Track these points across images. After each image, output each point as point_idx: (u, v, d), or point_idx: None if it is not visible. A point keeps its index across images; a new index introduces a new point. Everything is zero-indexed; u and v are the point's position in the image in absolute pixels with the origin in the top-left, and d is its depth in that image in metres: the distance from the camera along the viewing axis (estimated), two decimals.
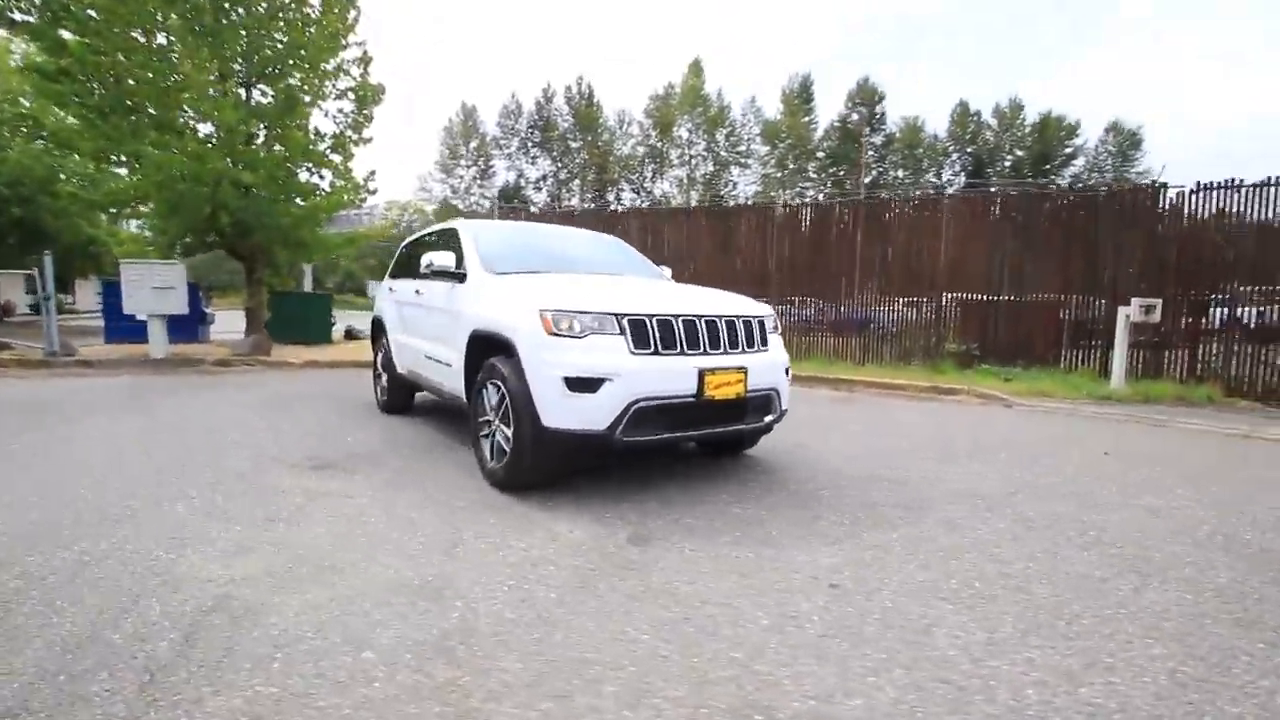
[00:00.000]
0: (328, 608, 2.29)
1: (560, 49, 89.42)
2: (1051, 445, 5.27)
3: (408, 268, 5.85)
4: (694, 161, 53.29)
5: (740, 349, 3.70)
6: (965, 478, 4.14)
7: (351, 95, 12.90)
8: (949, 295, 10.30)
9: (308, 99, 12.02)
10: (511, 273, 4.29)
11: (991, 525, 3.23)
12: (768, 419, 3.87)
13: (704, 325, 3.56)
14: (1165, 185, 9.16)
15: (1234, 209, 8.71)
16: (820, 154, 56.98)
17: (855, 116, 47.78)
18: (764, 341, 3.87)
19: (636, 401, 3.30)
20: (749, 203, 36.91)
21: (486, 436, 3.84)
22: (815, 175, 56.58)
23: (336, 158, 12.91)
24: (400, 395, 5.93)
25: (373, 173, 13.70)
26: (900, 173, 59.43)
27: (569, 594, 2.43)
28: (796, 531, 3.08)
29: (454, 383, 4.35)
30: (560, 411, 3.30)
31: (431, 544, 2.90)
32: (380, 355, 6.17)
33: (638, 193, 52.90)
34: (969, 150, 62.47)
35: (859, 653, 2.05)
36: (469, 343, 3.99)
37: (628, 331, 3.37)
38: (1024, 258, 9.91)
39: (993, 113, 63.13)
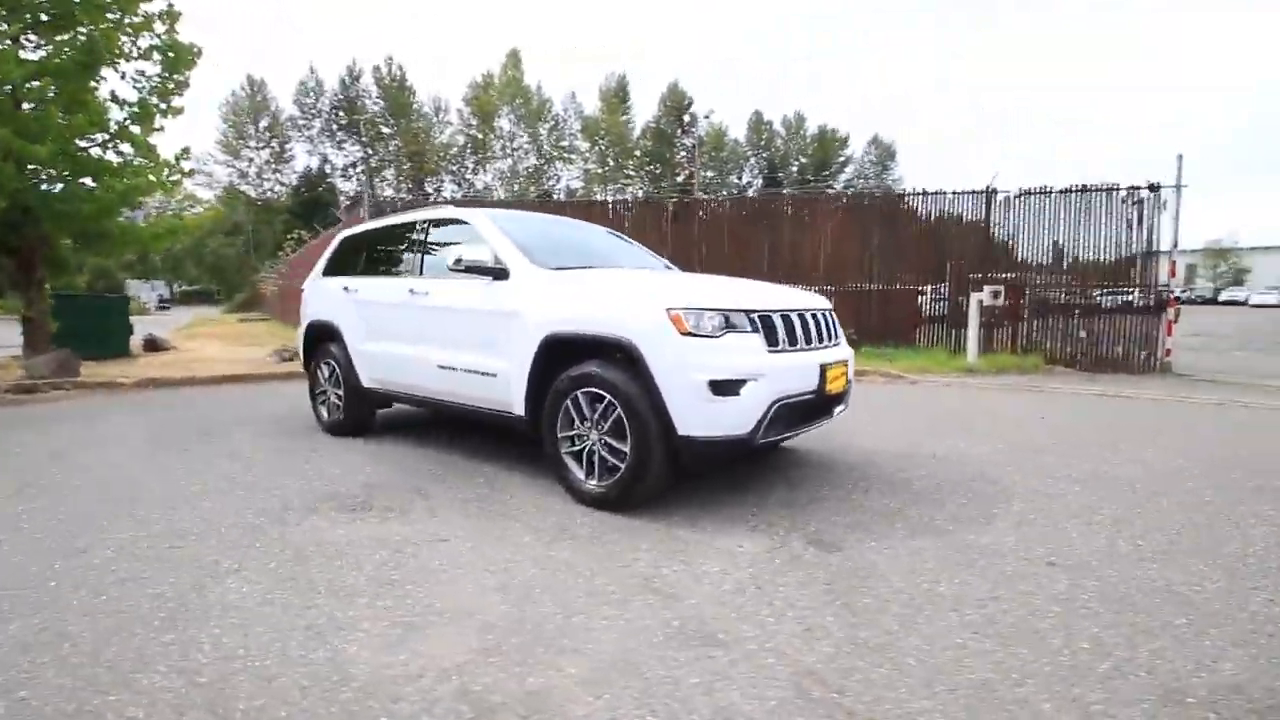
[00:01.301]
0: (655, 689, 1.84)
1: (364, 25, 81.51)
2: (991, 416, 5.98)
3: (372, 263, 4.94)
4: (517, 154, 52.01)
5: (834, 341, 3.67)
6: (1004, 455, 4.54)
7: (157, 56, 10.57)
8: (828, 286, 11.23)
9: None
10: (570, 267, 3.81)
11: (1088, 490, 3.58)
12: (842, 410, 3.88)
13: (810, 320, 3.47)
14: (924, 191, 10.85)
15: (950, 211, 10.71)
16: (638, 152, 58.87)
17: (686, 119, 49.80)
18: (839, 333, 3.87)
19: (777, 401, 3.12)
20: (638, 198, 37.03)
21: (576, 453, 3.38)
22: (634, 173, 58.32)
23: (137, 129, 10.51)
24: (361, 414, 5.01)
25: (185, 150, 11.42)
26: (709, 173, 63.42)
27: (837, 610, 2.21)
28: (951, 517, 3.14)
29: (501, 394, 3.75)
30: (701, 418, 3.01)
31: (622, 584, 2.47)
32: (327, 369, 5.14)
33: (459, 184, 50.35)
34: (764, 155, 68.55)
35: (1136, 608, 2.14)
36: (541, 348, 3.46)
37: (760, 328, 3.17)
38: (885, 252, 11.14)
39: (781, 123, 69.76)
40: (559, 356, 3.45)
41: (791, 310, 3.36)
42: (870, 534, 2.95)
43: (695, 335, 3.03)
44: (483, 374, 3.84)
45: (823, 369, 3.35)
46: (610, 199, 18.13)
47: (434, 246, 4.44)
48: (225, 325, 22.34)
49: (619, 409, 3.15)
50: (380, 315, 4.62)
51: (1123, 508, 3.30)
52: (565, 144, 53.54)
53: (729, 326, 3.09)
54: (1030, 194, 10.52)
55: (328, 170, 49.04)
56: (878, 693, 1.79)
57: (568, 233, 4.51)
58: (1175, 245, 10.01)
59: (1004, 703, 1.75)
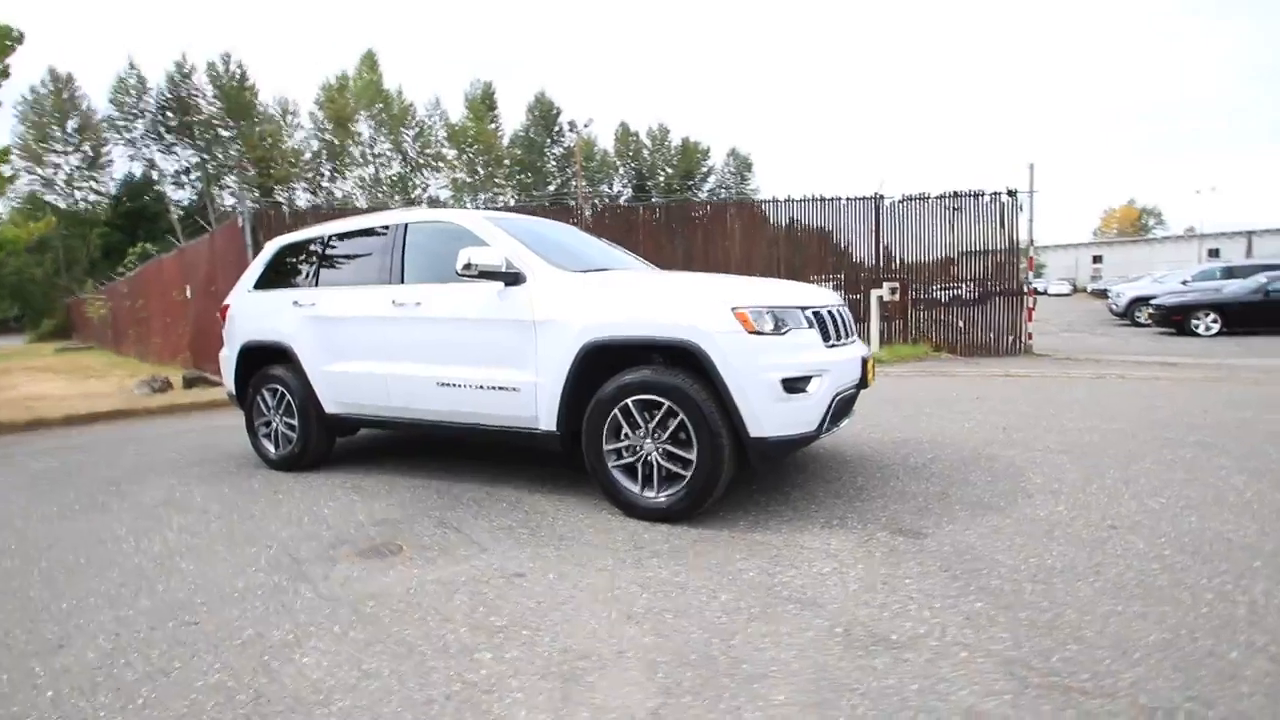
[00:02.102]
0: (882, 701, 1.69)
1: (192, 17, 72.59)
2: (932, 400, 6.43)
3: (330, 273, 4.32)
4: (379, 161, 48.93)
5: (854, 336, 3.73)
6: (978, 434, 4.85)
7: None
8: None
9: None
10: (591, 270, 3.56)
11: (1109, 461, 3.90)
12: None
13: (839, 314, 3.49)
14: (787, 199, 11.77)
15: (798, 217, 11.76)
16: (507, 161, 57.66)
17: (574, 122, 49.09)
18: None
19: (837, 395, 3.10)
20: (554, 203, 35.65)
21: (626, 466, 3.15)
22: (504, 182, 57.05)
23: None
24: (321, 445, 4.37)
25: (6, 150, 9.60)
26: (581, 183, 63.52)
27: (976, 594, 2.20)
28: (994, 495, 3.28)
29: (523, 410, 3.41)
30: (774, 418, 2.91)
31: (750, 597, 2.32)
32: (271, 397, 4.43)
33: (314, 192, 46.43)
34: (633, 165, 69.89)
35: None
36: (580, 357, 3.19)
37: (815, 324, 3.13)
38: (787, 253, 11.73)
39: (646, 135, 71.55)
40: (598, 365, 3.20)
41: (829, 306, 3.37)
42: (941, 517, 3.01)
43: (762, 334, 2.93)
44: (500, 389, 3.48)
45: (864, 361, 3.39)
46: (512, 204, 17.52)
47: (417, 252, 3.97)
48: (41, 358, 18.87)
49: (681, 415, 2.97)
50: (351, 331, 4.06)
51: (1117, 472, 3.63)
52: (432, 151, 51.14)
53: (791, 324, 3.03)
54: (911, 199, 11.54)
55: (155, 177, 43.09)
56: (1087, 668, 1.80)
57: (556, 234, 4.22)
58: (1031, 242, 11.43)
59: (1197, 657, 1.82)
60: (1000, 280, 11.29)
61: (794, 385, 2.93)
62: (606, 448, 3.19)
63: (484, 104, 55.59)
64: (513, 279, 3.45)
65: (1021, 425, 4.97)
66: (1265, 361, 8.84)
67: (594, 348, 3.16)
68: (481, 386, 3.54)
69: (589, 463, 3.25)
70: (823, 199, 11.60)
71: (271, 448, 4.50)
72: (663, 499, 3.06)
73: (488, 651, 2.00)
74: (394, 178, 49.99)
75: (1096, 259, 56.27)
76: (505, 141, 58.06)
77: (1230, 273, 16.62)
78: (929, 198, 11.45)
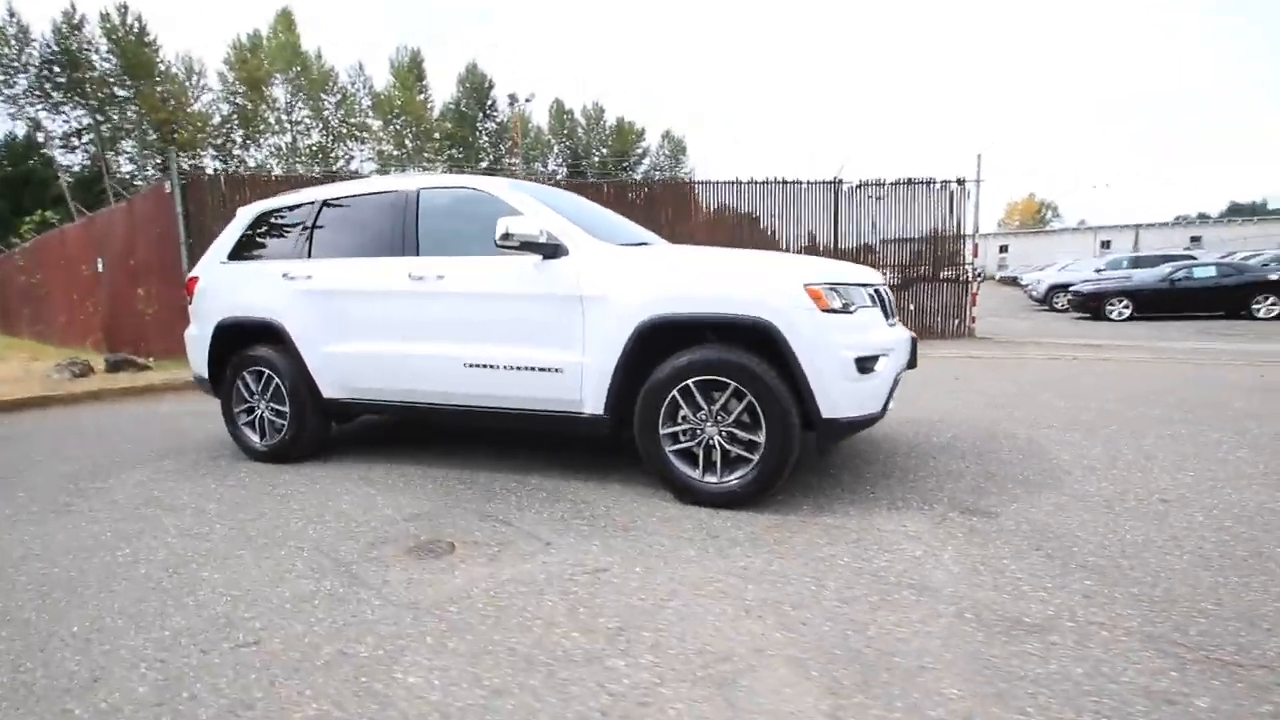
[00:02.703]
0: (1053, 686, 1.62)
1: None
2: (917, 380, 6.59)
3: (327, 243, 3.89)
4: (298, 129, 45.71)
5: None
6: (982, 412, 4.96)
7: None
8: None
9: None
10: (632, 244, 3.35)
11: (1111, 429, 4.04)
12: None
13: (888, 295, 3.44)
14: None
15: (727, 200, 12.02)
16: (438, 135, 55.29)
17: (515, 96, 46.81)
18: None
19: (897, 374, 3.05)
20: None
21: (684, 450, 3.00)
22: (433, 156, 54.70)
23: None
24: (319, 431, 3.97)
25: None
26: (514, 160, 61.83)
27: (1076, 572, 2.20)
28: (1038, 473, 3.33)
29: (567, 392, 3.18)
30: (848, 398, 2.83)
31: (859, 585, 2.23)
32: (256, 381, 3.98)
33: (225, 160, 42.90)
34: (567, 144, 68.61)
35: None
36: (636, 335, 2.99)
37: (874, 302, 3.06)
38: (743, 234, 11.76)
39: (581, 113, 70.34)
40: (650, 345, 3.02)
41: (880, 285, 3.31)
42: (1001, 496, 3.02)
43: (834, 312, 2.83)
44: (540, 370, 3.23)
45: (913, 341, 3.36)
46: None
47: (433, 220, 3.62)
48: None
49: (749, 395, 2.84)
50: (357, 308, 3.67)
51: (1132, 448, 3.78)
52: (355, 121, 48.21)
53: (858, 302, 2.94)
54: (867, 185, 11.79)
55: (40, 139, 38.52)
56: (1227, 640, 1.81)
57: (575, 204, 3.95)
58: (976, 229, 11.94)
59: None
60: (950, 265, 11.76)
61: (864, 365, 2.85)
62: (663, 431, 3.02)
63: (412, 73, 52.86)
64: (552, 251, 3.19)
65: (1015, 404, 5.14)
66: (1188, 344, 9.60)
67: (653, 325, 2.97)
68: (517, 368, 3.28)
69: (642, 447, 3.07)
70: (784, 181, 11.67)
71: (256, 437, 4.05)
72: (727, 484, 2.93)
73: (618, 658, 1.82)
74: (313, 147, 46.85)
75: (1003, 248, 59.99)
76: (435, 114, 55.62)
77: (1137, 263, 18.05)
78: (884, 183, 11.75)
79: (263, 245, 4.13)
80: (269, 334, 3.95)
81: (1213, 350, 8.59)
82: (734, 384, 2.86)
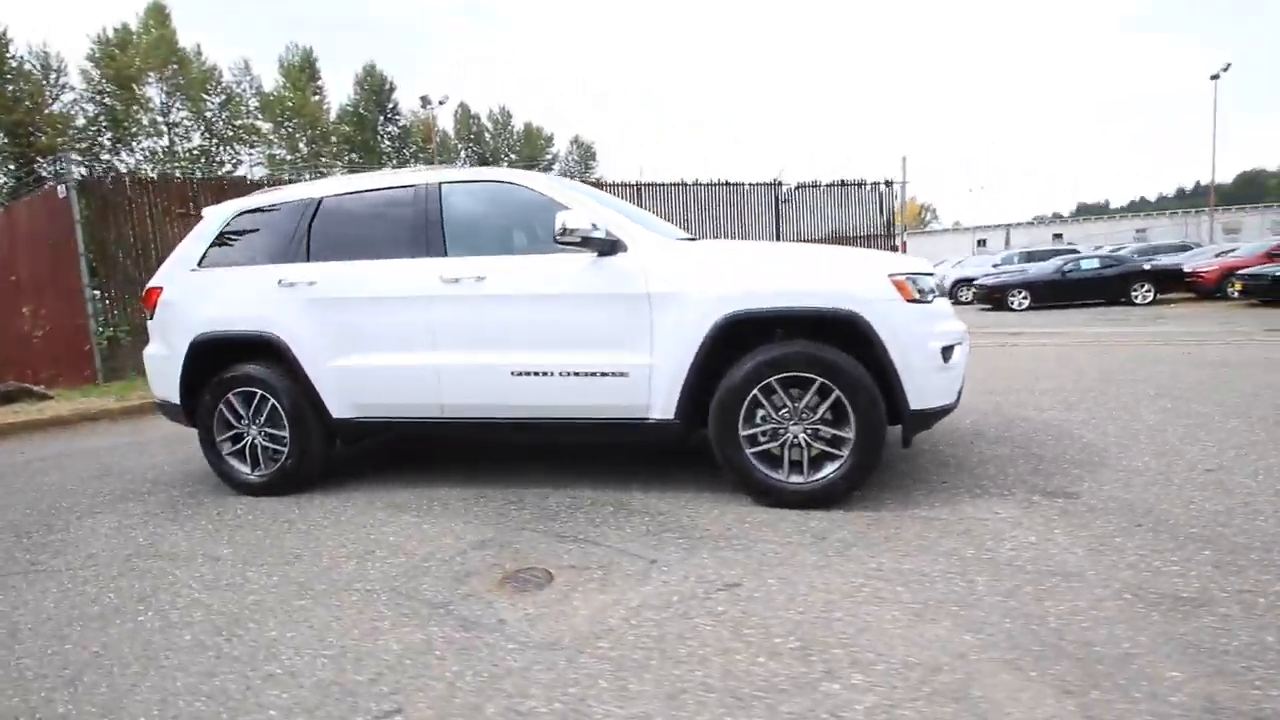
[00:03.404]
0: (1254, 669, 1.61)
1: None
2: None
3: (331, 244, 3.44)
4: (176, 131, 41.66)
5: None
6: (993, 398, 5.13)
7: None
8: None
9: None
10: (681, 239, 3.18)
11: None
12: None
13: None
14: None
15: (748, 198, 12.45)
16: (334, 138, 52.26)
17: (427, 98, 44.17)
18: None
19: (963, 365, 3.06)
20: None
21: (763, 454, 2.86)
22: (330, 160, 51.58)
23: None
24: (320, 456, 3.51)
25: None
26: (418, 164, 59.45)
27: (1203, 548, 2.26)
28: (1090, 452, 3.44)
29: (632, 397, 2.96)
30: (934, 388, 2.80)
31: (1002, 579, 2.18)
32: (243, 403, 3.45)
33: (91, 166, 38.39)
34: (475, 149, 66.92)
35: None
36: (713, 332, 2.82)
37: (944, 292, 3.06)
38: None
39: (488, 118, 68.88)
40: (728, 343, 2.87)
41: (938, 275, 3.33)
42: (1067, 476, 3.09)
43: (917, 302, 2.80)
44: (601, 375, 2.99)
45: (965, 330, 3.39)
46: None
47: (460, 218, 3.28)
48: None
49: (836, 390, 2.75)
50: (378, 316, 3.26)
51: (1141, 425, 3.98)
52: (242, 123, 44.53)
53: (935, 291, 2.92)
54: (805, 186, 12.17)
55: None
56: None
57: (610, 198, 3.73)
58: (904, 227, 12.60)
59: None
60: None
61: (946, 353, 2.84)
62: (743, 433, 2.87)
63: (304, 73, 49.62)
64: (610, 247, 2.97)
65: (998, 389, 5.38)
66: (1097, 329, 10.53)
67: (733, 322, 2.81)
68: (575, 373, 3.02)
69: (719, 451, 2.91)
70: (728, 184, 11.83)
71: (245, 468, 3.53)
72: (820, 482, 2.81)
73: (828, 681, 1.65)
74: (194, 151, 42.84)
75: (893, 247, 64.17)
76: (332, 116, 52.53)
77: (1029, 257, 19.73)
78: (820, 185, 12.18)
79: (243, 249, 3.61)
80: (262, 349, 3.45)
81: (1124, 333, 9.46)
82: (820, 379, 2.76)
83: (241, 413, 3.49)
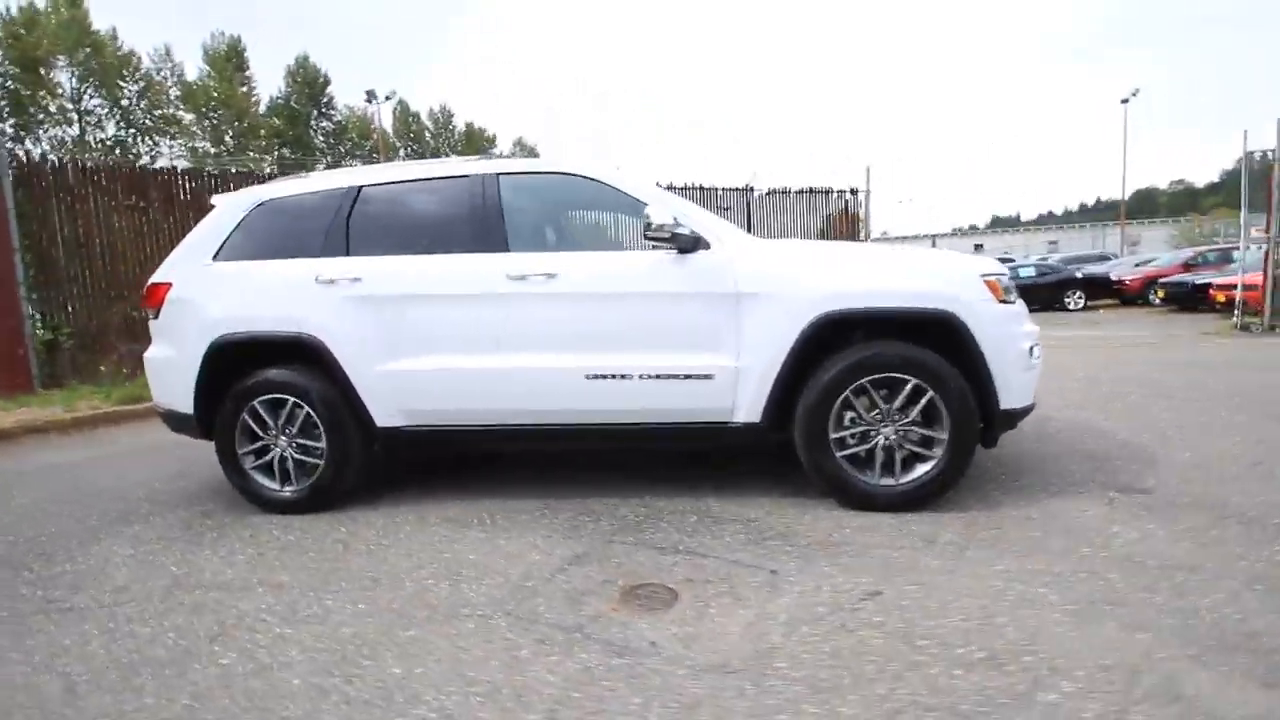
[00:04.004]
0: None
1: None
2: None
3: (372, 238, 3.14)
4: (90, 120, 38.42)
5: None
6: None
7: None
8: None
9: None
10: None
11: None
12: None
13: None
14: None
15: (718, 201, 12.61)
16: (263, 131, 49.55)
17: (373, 92, 41.76)
18: None
19: None
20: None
21: (851, 457, 2.80)
22: (258, 154, 48.86)
23: None
24: (359, 468, 3.20)
25: None
26: (355, 162, 57.17)
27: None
28: (1151, 445, 3.54)
29: (717, 400, 2.84)
30: (1022, 388, 2.81)
31: (1150, 579, 2.18)
32: (270, 412, 3.12)
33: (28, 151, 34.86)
34: (414, 148, 65.04)
35: None
36: (807, 332, 2.73)
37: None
38: None
39: (429, 116, 67.17)
40: (819, 344, 2.79)
41: None
42: (1129, 474, 3.15)
43: (1007, 303, 2.80)
44: (685, 377, 2.85)
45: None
46: None
47: (522, 211, 3.08)
48: None
49: (930, 391, 2.71)
50: (434, 315, 2.99)
51: (1165, 423, 4.15)
52: (162, 113, 41.50)
53: (1013, 292, 2.93)
54: (776, 192, 12.33)
55: None
56: None
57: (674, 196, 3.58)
58: (868, 234, 12.95)
59: None
60: None
61: (1032, 353, 2.85)
62: (833, 436, 2.79)
63: (230, 62, 46.82)
64: (692, 244, 2.84)
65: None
66: (1053, 333, 11.09)
67: (828, 322, 2.73)
68: (656, 376, 2.87)
69: (808, 455, 2.82)
70: (702, 188, 11.83)
71: (274, 483, 3.18)
72: (912, 484, 2.77)
73: (1041, 691, 1.58)
74: (108, 141, 39.60)
75: None
76: (261, 109, 49.80)
77: None
78: (789, 191, 12.36)
79: (269, 241, 3.25)
80: (295, 352, 3.12)
81: (1077, 336, 10.03)
82: (915, 380, 2.72)
83: (269, 422, 3.14)
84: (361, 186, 3.22)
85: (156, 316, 3.32)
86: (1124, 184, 36.94)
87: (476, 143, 68.52)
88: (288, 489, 3.18)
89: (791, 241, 3.23)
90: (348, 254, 3.14)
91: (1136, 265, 17.29)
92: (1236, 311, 9.88)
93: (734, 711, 1.56)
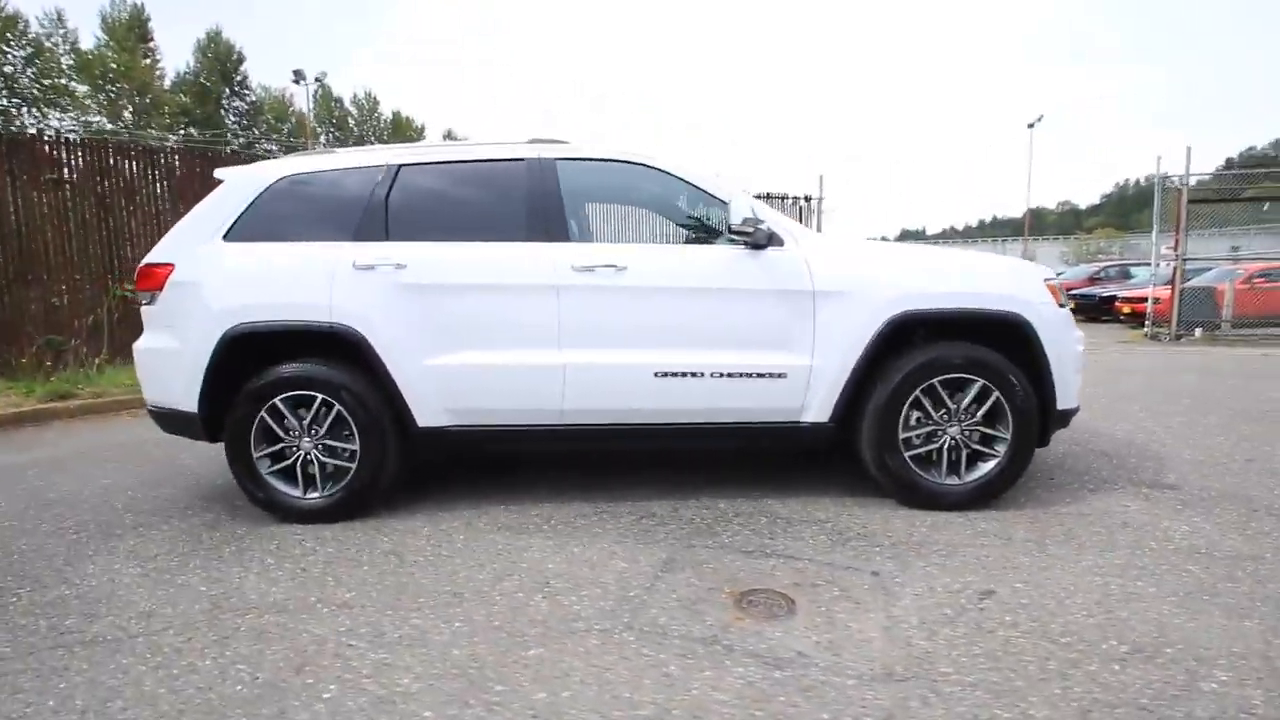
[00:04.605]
0: None
1: None
2: None
3: (418, 223, 2.87)
4: None
5: None
6: None
7: None
8: None
9: None
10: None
11: None
12: None
13: None
14: None
15: None
16: (168, 108, 45.61)
17: (301, 72, 38.33)
18: None
19: None
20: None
21: (918, 457, 2.81)
22: (161, 132, 44.91)
23: None
24: (395, 473, 2.92)
25: None
26: (271, 145, 53.66)
27: None
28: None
29: (788, 399, 2.78)
30: (1074, 389, 2.91)
31: (1218, 570, 2.28)
32: (293, 411, 2.80)
33: None
34: (336, 134, 61.84)
35: None
36: (882, 332, 2.71)
37: None
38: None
39: (351, 101, 64.21)
40: (897, 342, 2.78)
41: None
42: (1152, 471, 3.34)
43: (1063, 306, 2.89)
44: (758, 375, 2.77)
45: None
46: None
47: (583, 199, 2.92)
48: None
49: (996, 392, 2.76)
50: (490, 306, 2.76)
51: (1175, 424, 4.44)
52: (52, 83, 37.38)
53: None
54: None
55: None
56: None
57: None
58: None
59: None
60: None
61: (1083, 356, 2.96)
62: (902, 435, 2.79)
63: (133, 31, 42.85)
64: (767, 240, 2.76)
65: None
66: None
67: (902, 322, 2.73)
68: (728, 374, 2.77)
69: (875, 454, 2.81)
70: None
71: (295, 490, 2.85)
72: (976, 483, 2.81)
73: (1204, 682, 1.61)
74: None
75: None
76: (167, 84, 45.88)
77: None
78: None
79: (291, 221, 2.91)
80: (328, 344, 2.81)
81: None
82: (982, 380, 2.76)
83: (294, 423, 2.82)
84: (401, 165, 2.94)
85: (152, 302, 2.91)
86: (1028, 201, 39.98)
87: (404, 131, 65.99)
88: (312, 495, 2.86)
89: (862, 240, 3.22)
90: (387, 238, 2.86)
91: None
92: (1147, 322, 10.83)
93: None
